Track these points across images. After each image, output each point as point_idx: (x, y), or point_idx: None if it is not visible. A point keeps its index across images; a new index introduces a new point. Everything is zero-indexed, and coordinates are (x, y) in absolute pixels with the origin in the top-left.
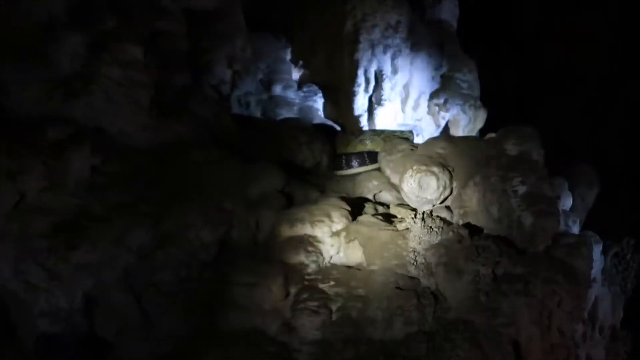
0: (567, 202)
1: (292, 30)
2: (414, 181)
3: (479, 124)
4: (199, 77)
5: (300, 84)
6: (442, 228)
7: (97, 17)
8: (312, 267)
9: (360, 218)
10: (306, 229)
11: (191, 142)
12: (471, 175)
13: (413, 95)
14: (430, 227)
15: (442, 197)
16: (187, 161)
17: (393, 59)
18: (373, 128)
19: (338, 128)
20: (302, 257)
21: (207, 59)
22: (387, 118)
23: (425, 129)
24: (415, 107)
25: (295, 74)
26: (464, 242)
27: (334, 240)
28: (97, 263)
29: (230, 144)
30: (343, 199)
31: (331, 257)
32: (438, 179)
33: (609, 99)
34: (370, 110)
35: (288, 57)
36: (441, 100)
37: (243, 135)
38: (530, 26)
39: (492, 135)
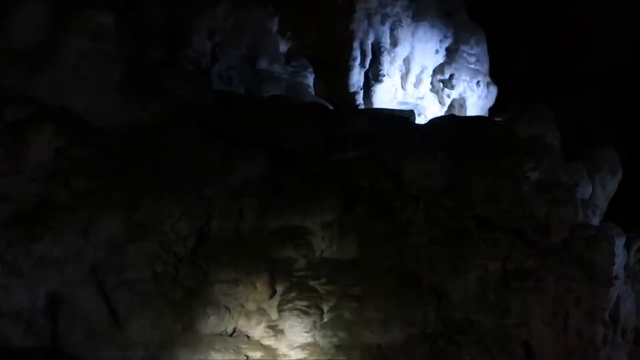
0: (586, 190)
1: None
2: (416, 166)
3: (489, 102)
4: (176, 50)
5: (289, 57)
6: (446, 219)
7: None
8: (301, 262)
9: (355, 207)
10: (295, 220)
11: (167, 123)
12: (479, 160)
13: (415, 70)
14: (434, 217)
15: (447, 184)
16: (162, 144)
17: (392, 29)
18: (370, 107)
19: (331, 107)
20: (290, 251)
21: (185, 30)
22: (386, 96)
23: (429, 108)
24: (417, 84)
25: (283, 47)
26: (470, 234)
27: (326, 232)
28: (62, 257)
29: (210, 125)
30: (337, 186)
31: (323, 251)
32: (442, 164)
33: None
34: (367, 87)
35: (275, 27)
36: (446, 76)
37: (225, 115)
38: None
39: (503, 115)
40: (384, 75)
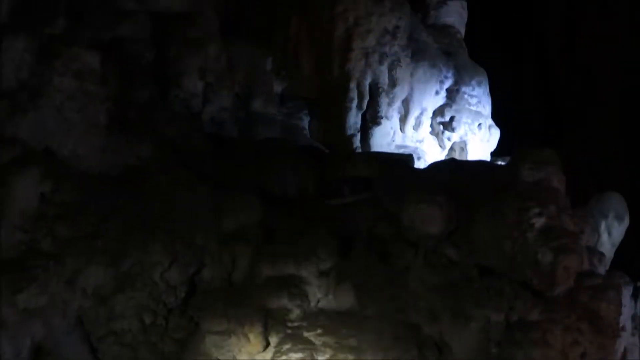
0: (592, 237)
1: (273, 35)
2: (416, 211)
3: (491, 145)
4: (165, 90)
5: (283, 98)
6: (447, 267)
7: (46, 19)
8: (296, 313)
9: (352, 255)
10: (290, 268)
11: (156, 167)
12: (481, 206)
13: (414, 112)
14: (434, 265)
15: (448, 231)
16: (151, 189)
17: (391, 69)
18: (368, 150)
19: (327, 150)
20: (284, 301)
21: (175, 70)
22: (384, 139)
23: (428, 152)
24: (417, 126)
25: (278, 87)
26: (472, 283)
27: (321, 281)
28: (47, 308)
29: (201, 169)
30: (333, 232)
31: (318, 301)
32: (442, 210)
33: None
34: (365, 130)
35: (269, 67)
36: (446, 119)
37: (217, 158)
38: (553, 31)
39: (506, 159)
40: (382, 118)
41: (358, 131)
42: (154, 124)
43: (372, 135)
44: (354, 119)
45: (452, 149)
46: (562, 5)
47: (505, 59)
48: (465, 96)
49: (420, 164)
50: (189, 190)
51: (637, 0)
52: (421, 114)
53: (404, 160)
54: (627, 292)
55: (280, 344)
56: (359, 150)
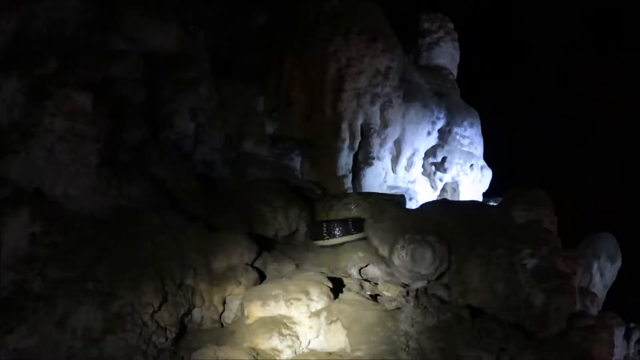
0: (584, 278)
1: (265, 76)
2: (406, 253)
3: (483, 186)
4: (157, 130)
5: (275, 139)
6: (438, 308)
7: (38, 59)
8: (287, 354)
9: (343, 296)
10: (280, 309)
11: (147, 207)
12: (473, 247)
13: (406, 152)
14: (425, 306)
15: (439, 272)
16: (142, 229)
17: (382, 110)
18: (359, 191)
19: (318, 191)
20: (275, 342)
21: (166, 110)
22: (376, 179)
23: (420, 192)
24: (409, 167)
25: (269, 128)
26: (464, 324)
27: (312, 322)
28: (37, 349)
29: (192, 209)
30: (323, 273)
31: (309, 342)
32: (434, 251)
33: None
34: (356, 171)
35: (261, 107)
36: (438, 159)
37: (207, 199)
38: (548, 73)
39: (497, 199)
40: (373, 158)
41: (350, 172)
42: (145, 164)
43: (363, 175)
44: (346, 160)
45: (444, 189)
46: (558, 46)
47: (498, 99)
48: (458, 137)
49: (412, 205)
50: (179, 231)
51: (633, 40)
52: (413, 154)
53: (396, 200)
54: (619, 333)
55: None
56: (351, 190)
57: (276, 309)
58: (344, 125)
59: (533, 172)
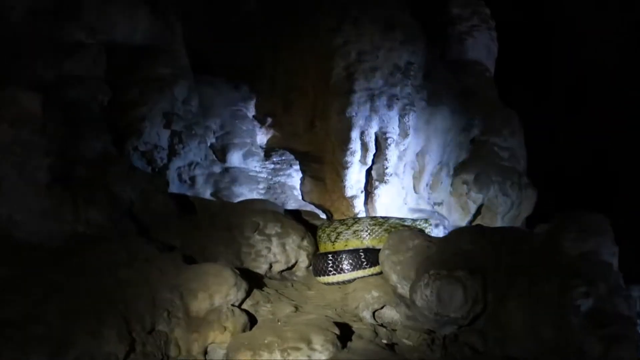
0: None
1: (256, 74)
2: (431, 292)
3: (526, 210)
4: (122, 141)
5: (269, 151)
6: (471, 359)
7: None
8: None
9: (353, 345)
10: None
11: (110, 235)
12: (513, 284)
13: (431, 168)
14: (455, 358)
15: (472, 315)
16: (103, 262)
17: (402, 115)
18: (373, 215)
19: (322, 215)
20: None
21: (134, 116)
22: (393, 201)
23: (449, 217)
24: (434, 186)
25: (262, 137)
26: None
27: None
28: None
29: (166, 237)
30: (329, 317)
31: None
32: (465, 289)
33: None
34: (369, 190)
35: (251, 112)
36: (471, 176)
37: (185, 225)
38: (605, 68)
39: (544, 226)
40: (390, 175)
41: (362, 191)
42: (107, 182)
43: (378, 196)
44: (357, 177)
45: (477, 213)
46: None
47: (543, 102)
48: (495, 148)
49: (438, 232)
50: (149, 264)
51: None
52: (440, 170)
53: (419, 227)
54: None
55: None
56: (363, 214)
57: None
58: (355, 134)
59: (588, 192)
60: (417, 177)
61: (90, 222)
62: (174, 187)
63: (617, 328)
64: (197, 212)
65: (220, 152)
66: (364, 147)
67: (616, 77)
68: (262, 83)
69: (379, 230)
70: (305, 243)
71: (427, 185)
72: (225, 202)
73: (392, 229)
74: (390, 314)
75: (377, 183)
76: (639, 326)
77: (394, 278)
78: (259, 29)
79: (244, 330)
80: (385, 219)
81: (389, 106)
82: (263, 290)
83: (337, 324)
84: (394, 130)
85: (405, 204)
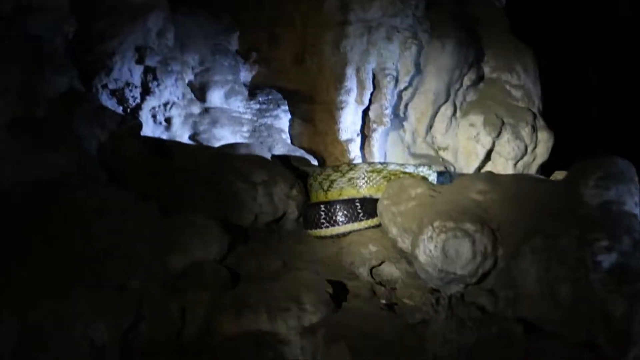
0: None
1: (239, 3)
2: (436, 246)
3: (541, 155)
4: (89, 78)
5: (254, 89)
6: (480, 321)
7: None
8: None
9: (348, 305)
10: (262, 322)
11: (76, 182)
12: (527, 237)
13: (435, 108)
14: (462, 319)
15: (480, 272)
16: (70, 213)
17: (403, 50)
18: (370, 161)
19: (314, 161)
20: None
21: (103, 49)
22: (394, 145)
23: (455, 163)
24: (439, 128)
25: (246, 74)
26: (515, 344)
27: (306, 341)
28: None
29: (139, 186)
30: (321, 274)
31: None
32: (474, 243)
33: None
34: (366, 133)
35: (234, 46)
36: (480, 118)
37: (161, 172)
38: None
39: (561, 173)
40: (390, 116)
41: (358, 134)
42: (72, 124)
43: (376, 140)
44: (352, 118)
45: (487, 158)
46: None
47: (558, 35)
48: (507, 87)
49: (444, 180)
50: (120, 215)
51: None
52: (444, 111)
53: (422, 174)
54: None
55: None
56: (359, 160)
57: (255, 322)
58: (350, 71)
59: (611, 135)
60: (419, 119)
61: (54, 167)
62: (148, 129)
63: None
64: (173, 157)
65: (200, 91)
66: (361, 85)
67: None
68: (245, 13)
69: (377, 178)
70: (294, 192)
71: (430, 127)
72: (205, 146)
73: (392, 177)
74: (390, 270)
75: (375, 125)
76: None
77: (393, 231)
78: None
79: (226, 289)
80: (384, 165)
81: (389, 39)
82: (247, 245)
83: (331, 281)
84: (393, 66)
85: (407, 148)
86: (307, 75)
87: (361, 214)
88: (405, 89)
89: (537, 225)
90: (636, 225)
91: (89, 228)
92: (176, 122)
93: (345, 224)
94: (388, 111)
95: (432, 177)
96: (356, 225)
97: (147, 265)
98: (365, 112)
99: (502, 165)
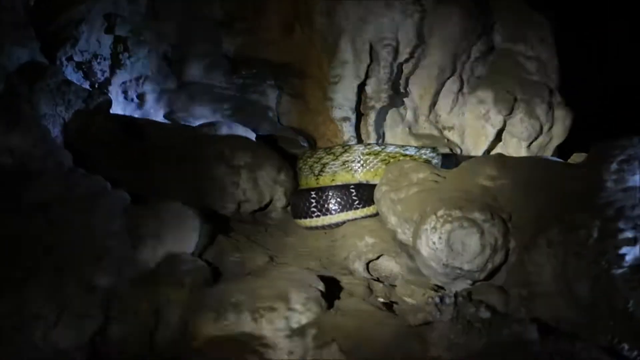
0: None
1: None
2: (440, 238)
3: (558, 135)
4: (54, 49)
5: (237, 62)
6: (489, 322)
7: None
8: None
9: (341, 304)
10: (245, 324)
11: (37, 166)
12: (542, 228)
13: (440, 83)
14: (469, 320)
15: (490, 267)
16: (31, 200)
17: (403, 18)
18: (367, 142)
19: (304, 142)
20: None
21: (68, 17)
22: (394, 125)
23: (461, 144)
24: (444, 106)
25: (228, 45)
26: (529, 347)
27: (294, 344)
28: None
29: (108, 170)
30: (312, 269)
31: None
32: (483, 235)
33: None
34: (363, 111)
35: (216, 14)
36: (490, 94)
37: (132, 154)
38: None
39: (580, 155)
40: (389, 92)
41: (353, 112)
42: (34, 100)
43: (374, 118)
44: (347, 94)
45: (498, 139)
46: None
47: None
48: (520, 59)
49: (449, 164)
50: (86, 201)
51: None
52: (450, 87)
53: (425, 157)
54: None
55: None
56: (354, 141)
57: (238, 324)
58: (344, 42)
59: (636, 114)
60: (422, 95)
61: (13, 150)
62: (119, 107)
63: None
64: (146, 137)
65: (176, 64)
66: (357, 58)
67: None
68: None
69: (375, 161)
70: (282, 177)
71: (434, 105)
72: (182, 125)
73: (391, 160)
74: (388, 265)
75: (372, 102)
76: None
77: (392, 221)
78: None
79: (205, 287)
80: (383, 146)
81: (388, 6)
82: (230, 237)
83: (322, 278)
84: (393, 36)
85: (409, 128)
86: (297, 46)
87: (356, 202)
88: (406, 61)
89: (554, 215)
90: None
91: (51, 219)
92: (149, 98)
93: (338, 212)
94: (387, 86)
95: (436, 161)
96: (351, 214)
97: (117, 260)
98: (361, 88)
99: (514, 146)
